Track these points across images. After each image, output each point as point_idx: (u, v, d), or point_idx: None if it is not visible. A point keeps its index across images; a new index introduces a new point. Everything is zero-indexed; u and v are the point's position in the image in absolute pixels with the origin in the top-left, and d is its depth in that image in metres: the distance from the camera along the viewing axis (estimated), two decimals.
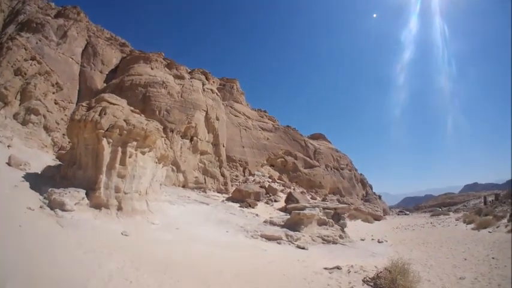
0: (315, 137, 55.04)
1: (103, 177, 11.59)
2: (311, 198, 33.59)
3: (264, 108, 51.90)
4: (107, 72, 37.18)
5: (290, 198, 24.95)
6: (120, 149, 11.91)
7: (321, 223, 13.91)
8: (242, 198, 25.76)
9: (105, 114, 12.01)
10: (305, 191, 37.76)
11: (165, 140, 16.20)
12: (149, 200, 12.04)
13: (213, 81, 42.93)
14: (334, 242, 12.41)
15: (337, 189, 45.44)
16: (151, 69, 33.32)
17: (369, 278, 6.86)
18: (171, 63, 36.47)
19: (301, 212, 13.41)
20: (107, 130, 11.97)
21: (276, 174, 39.36)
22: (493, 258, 11.80)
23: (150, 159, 13.01)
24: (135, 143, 12.30)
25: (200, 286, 5.78)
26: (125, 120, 12.12)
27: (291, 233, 11.89)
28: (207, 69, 40.68)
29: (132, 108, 14.68)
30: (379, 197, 56.12)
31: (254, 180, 33.85)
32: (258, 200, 26.67)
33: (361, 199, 47.81)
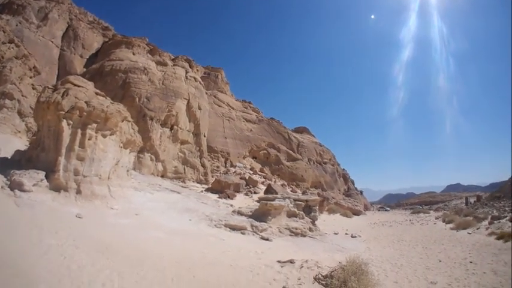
0: (299, 130, 55.14)
1: (62, 160, 11.22)
2: (291, 191, 33.62)
3: (249, 99, 51.77)
4: (87, 57, 36.15)
5: (269, 190, 25.04)
6: (79, 131, 11.42)
7: (291, 215, 13.68)
8: (221, 189, 25.63)
9: (67, 95, 11.68)
10: (286, 183, 37.87)
11: (132, 124, 15.82)
12: (112, 185, 11.76)
13: (197, 70, 42.36)
14: (303, 235, 12.22)
15: (319, 183, 45.88)
16: (133, 54, 32.43)
17: (321, 276, 6.39)
18: (154, 49, 35.68)
19: (269, 202, 13.13)
20: (67, 112, 11.64)
21: (258, 166, 39.25)
22: (470, 262, 10.99)
23: (112, 142, 12.65)
24: (95, 125, 11.75)
25: (134, 268, 5.64)
26: (86, 102, 11.73)
27: (256, 223, 11.65)
28: (191, 57, 40.20)
29: (97, 90, 14.23)
30: (361, 192, 57.09)
31: (235, 171, 33.71)
32: (238, 192, 26.63)
33: (343, 194, 48.48)
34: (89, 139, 11.65)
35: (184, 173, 28.36)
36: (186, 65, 36.20)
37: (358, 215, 35.04)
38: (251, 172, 35.70)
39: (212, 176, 30.40)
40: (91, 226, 8.09)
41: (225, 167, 35.60)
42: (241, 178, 30.09)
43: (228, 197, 23.69)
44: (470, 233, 17.84)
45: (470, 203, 44.22)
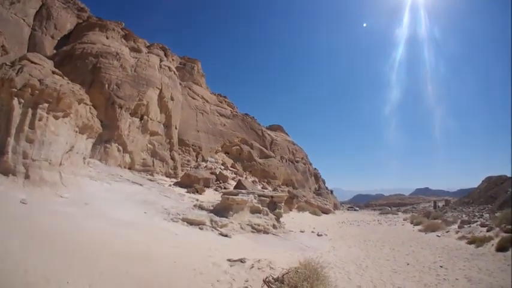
0: (273, 128, 55.36)
1: (11, 141, 10.40)
2: (262, 187, 33.53)
3: (224, 94, 51.31)
4: (59, 38, 34.36)
5: (239, 186, 24.84)
6: (30, 110, 10.70)
7: (255, 211, 13.27)
8: (190, 184, 25.13)
9: (21, 72, 11.00)
10: (257, 180, 37.85)
11: (90, 108, 15.08)
12: (64, 172, 11.11)
13: (173, 59, 41.37)
14: (266, 232, 11.82)
15: (291, 181, 46.23)
16: (107, 38, 30.99)
17: (272, 279, 5.81)
18: (129, 35, 34.32)
19: (230, 197, 12.71)
20: (20, 89, 11.00)
21: (229, 162, 38.92)
22: (441, 267, 10.39)
23: (65, 125, 11.92)
24: (46, 105, 11.01)
25: (64, 258, 5.32)
26: (39, 80, 11.03)
27: (216, 218, 11.20)
28: (167, 46, 39.22)
29: (55, 69, 13.50)
30: (331, 191, 58.16)
31: (206, 166, 33.22)
32: (207, 187, 26.24)
33: (314, 192, 49.14)
34: (39, 120, 10.86)
35: (153, 165, 27.53)
36: (161, 53, 35.24)
37: (327, 213, 35.65)
38: (222, 167, 35.35)
39: (182, 170, 29.77)
40: (33, 212, 7.54)
41: (196, 161, 35.04)
42: (211, 173, 29.74)
43: (197, 192, 23.28)
44: (439, 236, 17.65)
45: (439, 207, 45.81)
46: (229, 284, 5.69)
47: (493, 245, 12.76)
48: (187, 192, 22.84)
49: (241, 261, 6.29)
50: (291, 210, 28.25)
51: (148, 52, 33.18)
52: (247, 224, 11.74)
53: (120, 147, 25.34)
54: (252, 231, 11.41)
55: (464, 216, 25.25)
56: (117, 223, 8.31)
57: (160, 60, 33.12)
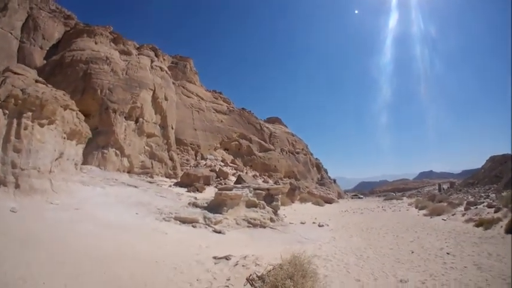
0: (271, 120, 55.35)
1: (0, 152, 10.86)
2: (263, 181, 33.64)
3: (219, 90, 51.19)
4: (48, 48, 34.32)
5: (239, 181, 24.96)
6: (15, 120, 10.84)
7: (250, 205, 13.02)
8: (190, 183, 25.21)
9: (4, 84, 11.09)
10: (257, 174, 37.95)
11: (77, 113, 15.04)
12: (54, 179, 11.18)
13: (164, 59, 41.26)
14: (262, 226, 11.63)
15: (292, 173, 46.33)
16: (96, 43, 30.92)
17: (256, 277, 5.43)
18: (118, 38, 34.19)
19: (223, 192, 12.47)
20: (3, 101, 11.11)
21: (229, 158, 38.95)
22: (448, 254, 9.58)
23: (52, 132, 11.95)
24: (30, 114, 11.13)
25: (46, 260, 5.42)
26: (22, 90, 11.08)
27: (210, 215, 11.00)
28: (157, 45, 39.09)
29: (38, 78, 13.46)
30: (334, 181, 58.23)
31: (205, 164, 33.24)
32: (208, 184, 26.31)
33: (316, 183, 49.24)
34: (24, 129, 10.86)
35: (152, 167, 27.65)
36: (152, 53, 35.21)
37: (330, 203, 35.58)
38: (222, 164, 35.40)
39: (182, 170, 29.86)
40: (20, 219, 7.59)
41: (195, 159, 35.14)
42: (211, 170, 29.82)
43: (197, 190, 23.40)
44: (445, 220, 16.94)
45: (444, 189, 45.54)
46: (209, 283, 5.49)
47: (502, 226, 12.05)
48: (187, 191, 22.95)
49: (226, 258, 6.05)
50: (293, 202, 28.33)
51: (138, 54, 33.17)
52: (243, 219, 11.54)
53: (118, 152, 25.45)
54: (248, 226, 11.26)
55: (470, 197, 24.87)
56: (106, 226, 8.19)
57: (151, 61, 33.12)
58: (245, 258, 6.02)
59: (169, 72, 35.23)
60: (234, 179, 29.70)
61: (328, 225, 16.84)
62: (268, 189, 14.64)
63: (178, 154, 32.48)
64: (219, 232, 9.94)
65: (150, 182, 23.84)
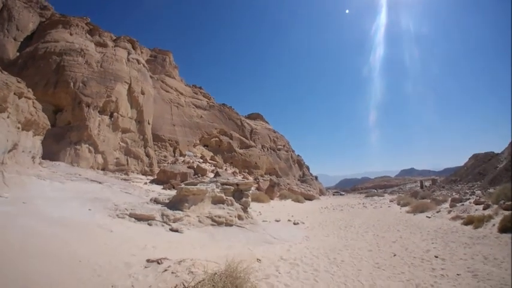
0: (252, 117, 55.38)
1: None
2: (243, 178, 33.87)
3: (200, 85, 50.73)
4: (21, 40, 33.06)
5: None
6: None
7: (217, 201, 12.38)
8: (167, 180, 24.83)
9: None
10: (237, 171, 37.94)
11: (33, 103, 14.43)
12: (7, 171, 10.72)
13: (142, 51, 40.46)
14: (229, 224, 11.04)
15: (274, 170, 46.53)
16: (70, 35, 29.91)
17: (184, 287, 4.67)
18: (94, 29, 33.17)
19: (185, 187, 11.75)
20: None
21: (209, 155, 38.71)
22: (436, 257, 8.42)
23: (3, 121, 11.16)
24: None
25: None
26: None
27: (169, 212, 10.33)
28: (136, 38, 38.22)
29: None
30: (316, 178, 58.83)
31: (184, 160, 32.92)
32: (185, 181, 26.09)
33: (298, 180, 49.63)
34: None
35: (127, 164, 27.07)
36: (129, 46, 34.39)
37: (311, 200, 35.90)
38: (201, 161, 35.13)
39: (159, 167, 29.48)
40: None
41: (174, 156, 34.69)
42: (189, 167, 29.52)
43: (173, 188, 23.11)
44: (429, 217, 16.30)
45: (426, 186, 46.52)
46: None
47: (494, 225, 11.23)
48: (163, 189, 22.62)
49: (158, 262, 5.28)
50: (272, 198, 28.43)
51: (115, 46, 32.33)
52: (207, 217, 10.95)
53: (91, 148, 24.83)
54: (212, 224, 10.68)
55: (454, 194, 24.38)
56: (49, 221, 7.55)
57: (128, 54, 32.37)
58: (180, 264, 5.22)
59: (146, 66, 34.55)
60: (212, 175, 29.48)
61: (304, 223, 16.48)
62: (237, 185, 13.95)
63: (155, 151, 32.03)
64: (176, 231, 9.33)
65: (125, 180, 23.36)
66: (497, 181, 25.58)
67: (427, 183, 51.84)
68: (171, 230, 9.32)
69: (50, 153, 21.61)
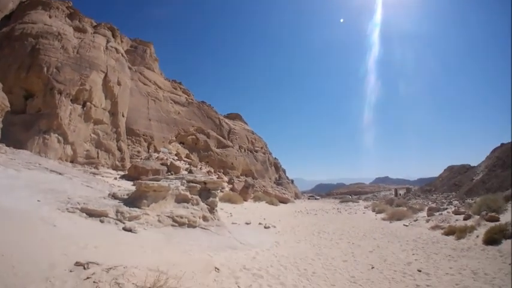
0: (231, 116, 55.32)
1: None
2: (218, 178, 33.64)
3: (180, 80, 50.03)
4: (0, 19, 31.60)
5: None
6: None
7: (181, 200, 11.59)
8: (138, 176, 24.12)
9: None
10: (212, 170, 37.69)
11: None
12: None
13: (122, 40, 39.42)
14: (192, 225, 10.33)
15: (250, 171, 46.55)
16: (50, 17, 28.64)
17: None
18: (75, 13, 31.92)
19: (144, 182, 10.89)
20: None
21: (184, 153, 38.22)
22: (419, 271, 7.80)
23: None
24: None
25: None
26: None
27: (125, 209, 9.49)
28: (116, 26, 37.17)
29: None
30: (292, 181, 59.32)
31: (157, 157, 32.34)
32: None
33: (274, 182, 49.90)
34: None
35: (98, 157, 26.23)
36: (109, 33, 33.37)
37: (285, 203, 36.10)
38: (175, 158, 34.68)
39: (131, 162, 28.81)
40: None
41: (148, 152, 34.05)
42: (162, 164, 29.02)
43: None
44: (407, 225, 15.93)
45: (400, 195, 47.72)
46: None
47: (477, 236, 10.82)
48: (133, 185, 22.08)
49: (85, 267, 4.61)
50: (246, 200, 28.36)
51: (94, 32, 31.36)
52: (168, 216, 10.19)
53: (61, 138, 23.93)
54: (173, 225, 9.95)
55: (430, 203, 24.91)
56: None
57: (107, 41, 31.46)
58: (108, 271, 4.54)
59: (125, 56, 33.71)
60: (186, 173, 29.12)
61: (275, 226, 15.98)
62: (205, 183, 13.10)
63: (129, 145, 31.33)
64: (129, 230, 8.50)
65: (94, 174, 22.69)
66: (474, 193, 26.66)
67: (401, 192, 53.14)
68: (124, 229, 8.55)
69: (18, 141, 20.85)
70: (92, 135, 26.67)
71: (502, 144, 32.53)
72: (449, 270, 7.85)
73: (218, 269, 6.70)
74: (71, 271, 4.56)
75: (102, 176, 22.49)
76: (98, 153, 26.59)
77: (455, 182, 36.69)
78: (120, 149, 28.29)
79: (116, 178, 23.70)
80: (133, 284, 4.29)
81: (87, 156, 25.85)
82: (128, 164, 28.00)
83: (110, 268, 4.65)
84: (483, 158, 34.88)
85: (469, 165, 40.04)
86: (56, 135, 23.66)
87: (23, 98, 24.00)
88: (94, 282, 4.26)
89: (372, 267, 8.17)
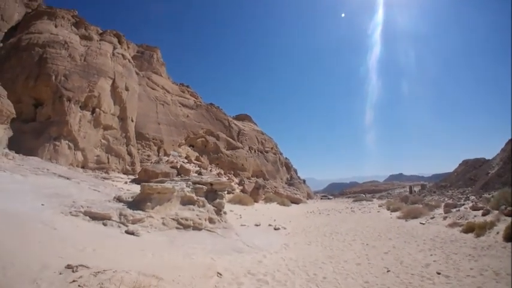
0: (240, 117, 55.30)
1: None
2: (228, 179, 33.67)
3: (187, 83, 50.28)
4: (6, 30, 32.27)
5: None
6: None
7: (187, 202, 11.33)
8: (148, 180, 24.35)
9: None
10: (223, 172, 37.68)
11: None
12: None
13: (128, 47, 39.88)
14: (197, 228, 10.07)
15: (261, 172, 46.39)
16: (55, 27, 29.23)
17: None
18: (80, 22, 32.53)
19: (147, 184, 10.71)
20: None
21: (194, 155, 38.34)
22: (438, 274, 7.25)
23: None
24: None
25: None
26: None
27: (128, 212, 9.34)
28: (123, 33, 37.62)
29: None
30: (304, 181, 58.91)
31: (167, 160, 32.55)
32: None
33: (285, 183, 49.62)
34: None
35: (108, 162, 26.53)
36: (115, 40, 33.84)
37: (297, 203, 35.73)
38: (185, 161, 34.81)
39: (142, 166, 29.04)
40: None
41: (158, 156, 34.24)
42: (172, 167, 29.15)
43: None
44: (423, 223, 15.16)
45: (415, 192, 46.87)
46: None
47: (498, 232, 10.18)
48: None
49: (74, 269, 4.48)
50: (257, 201, 28.22)
51: (100, 40, 31.81)
52: (173, 219, 9.95)
53: (71, 145, 24.28)
54: (178, 228, 9.69)
55: (446, 199, 24.25)
56: None
57: (114, 48, 31.87)
58: (96, 275, 4.41)
59: (132, 61, 34.04)
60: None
61: (285, 228, 15.51)
62: (211, 184, 12.84)
63: (139, 149, 31.57)
64: (132, 233, 8.35)
65: (105, 178, 22.95)
66: (490, 187, 26.11)
67: (416, 189, 52.19)
68: (127, 232, 8.44)
69: (29, 148, 21.17)
70: (101, 140, 26.97)
71: None
72: (470, 271, 7.28)
73: (220, 274, 6.39)
74: (60, 273, 4.47)
75: (113, 181, 22.72)
76: (108, 158, 26.86)
77: (471, 176, 35.96)
78: (130, 154, 28.52)
79: (126, 182, 23.89)
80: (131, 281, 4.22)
81: (98, 161, 26.14)
82: (138, 168, 28.21)
83: (99, 272, 4.53)
84: (497, 151, 34.08)
85: (484, 158, 39.19)
86: (67, 141, 23.99)
87: (33, 107, 24.44)
88: (79, 286, 4.17)
89: (388, 271, 7.61)
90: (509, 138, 33.12)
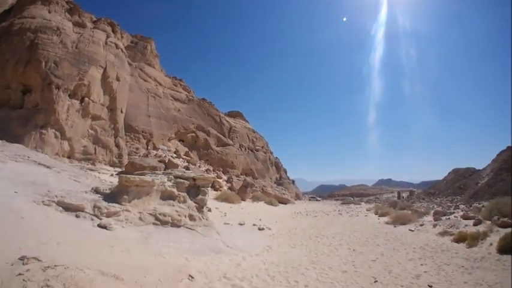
0: (232, 114, 55.24)
1: None
2: (216, 176, 33.58)
3: (180, 77, 49.90)
4: None
5: None
6: None
7: (167, 196, 10.85)
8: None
9: None
10: (211, 169, 37.58)
11: None
12: None
13: (122, 36, 39.35)
14: (176, 225, 9.63)
15: (250, 170, 46.38)
16: (49, 12, 28.68)
17: None
18: (75, 9, 31.90)
19: (125, 176, 10.22)
20: None
21: (183, 150, 38.14)
22: (430, 286, 6.78)
23: None
24: None
25: None
26: None
27: (103, 204, 8.90)
28: (117, 22, 37.11)
29: None
30: (293, 181, 59.08)
31: (156, 154, 32.29)
32: None
33: (275, 182, 49.70)
34: None
35: (95, 153, 26.10)
36: (109, 28, 33.33)
37: (285, 203, 35.76)
38: (174, 156, 34.56)
39: (129, 159, 28.72)
40: None
41: (147, 149, 33.97)
42: (160, 161, 28.86)
43: None
44: (412, 230, 14.88)
45: (403, 197, 47.32)
46: None
47: (491, 244, 9.92)
48: None
49: (24, 262, 4.16)
50: (244, 200, 28.12)
51: (93, 27, 31.29)
52: (150, 214, 9.48)
53: (58, 134, 23.86)
54: (155, 224, 9.21)
55: (435, 206, 24.53)
56: None
57: (107, 37, 31.37)
58: (45, 270, 4.06)
59: (125, 51, 33.59)
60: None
61: (270, 228, 15.19)
62: (194, 179, 12.23)
63: (127, 142, 31.25)
64: (104, 227, 7.90)
65: (91, 170, 22.62)
66: (479, 196, 26.50)
67: (404, 194, 52.74)
68: (99, 225, 8.02)
69: (15, 136, 20.78)
70: (89, 131, 26.57)
71: (509, 147, 32.15)
72: (464, 285, 6.89)
73: (192, 277, 5.91)
74: (12, 265, 4.19)
75: (99, 173, 22.40)
76: (95, 149, 26.50)
77: (460, 185, 36.44)
78: (118, 146, 28.19)
79: (112, 175, 23.55)
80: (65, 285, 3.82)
81: (85, 152, 25.76)
82: (125, 161, 27.88)
83: (48, 267, 4.19)
84: (488, 162, 34.56)
85: (474, 168, 39.79)
86: (53, 130, 23.59)
87: (21, 93, 23.97)
88: (24, 280, 3.87)
89: (375, 281, 7.05)
90: (501, 149, 33.56)
